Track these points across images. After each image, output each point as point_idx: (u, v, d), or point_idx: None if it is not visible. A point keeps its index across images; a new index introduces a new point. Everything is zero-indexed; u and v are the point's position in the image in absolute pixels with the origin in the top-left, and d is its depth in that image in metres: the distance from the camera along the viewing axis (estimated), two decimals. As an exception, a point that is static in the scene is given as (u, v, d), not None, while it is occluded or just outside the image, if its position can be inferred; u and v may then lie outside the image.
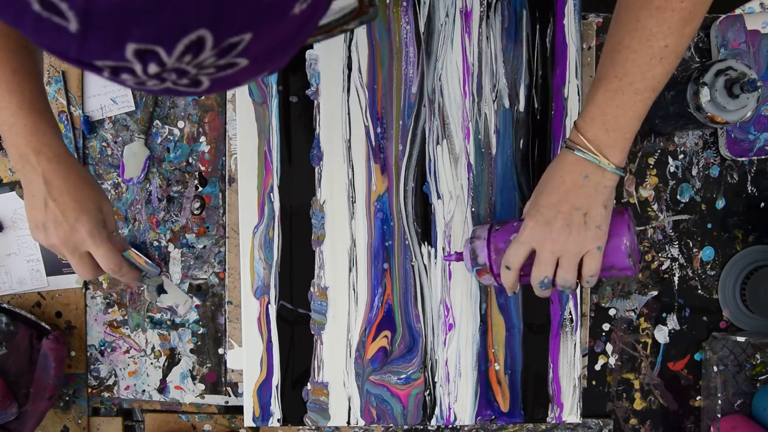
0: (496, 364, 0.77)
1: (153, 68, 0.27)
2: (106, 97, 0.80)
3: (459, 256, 0.71)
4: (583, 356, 0.80)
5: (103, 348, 0.82)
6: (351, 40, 0.76)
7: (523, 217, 0.63)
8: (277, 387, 0.77)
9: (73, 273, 0.80)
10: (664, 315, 0.82)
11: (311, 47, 0.76)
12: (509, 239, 0.64)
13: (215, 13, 0.26)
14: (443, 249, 0.77)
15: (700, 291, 0.82)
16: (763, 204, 0.81)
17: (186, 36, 0.26)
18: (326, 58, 0.76)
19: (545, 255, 0.59)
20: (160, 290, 0.69)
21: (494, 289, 0.77)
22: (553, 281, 0.60)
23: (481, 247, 0.66)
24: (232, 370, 0.80)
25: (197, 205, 0.81)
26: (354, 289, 0.77)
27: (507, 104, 0.77)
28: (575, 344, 0.77)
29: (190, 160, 0.81)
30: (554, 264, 0.59)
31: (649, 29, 0.53)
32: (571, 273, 0.59)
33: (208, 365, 0.82)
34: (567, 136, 0.59)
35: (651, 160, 0.81)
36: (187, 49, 0.27)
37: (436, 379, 0.77)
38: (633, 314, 0.81)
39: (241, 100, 0.76)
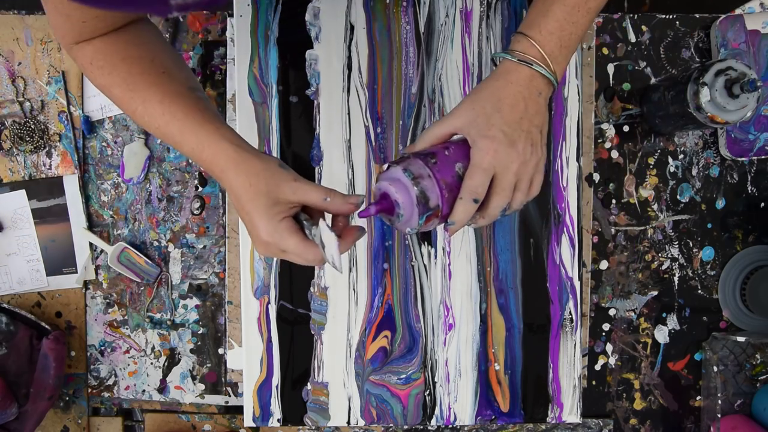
0: (496, 364, 0.77)
1: None
2: (106, 97, 0.80)
3: (385, 206, 0.55)
4: (583, 356, 0.80)
5: (103, 348, 0.82)
6: (351, 40, 0.76)
7: (452, 142, 0.57)
8: (277, 387, 0.77)
9: (74, 273, 0.80)
10: (664, 315, 0.82)
11: (311, 47, 0.76)
12: (454, 171, 0.55)
13: None
14: (443, 249, 0.77)
15: (700, 291, 0.82)
16: (763, 204, 0.81)
17: None
18: (326, 58, 0.76)
19: (509, 178, 0.54)
20: (322, 243, 0.53)
21: (494, 289, 0.77)
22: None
23: (431, 186, 0.53)
24: (232, 370, 0.80)
25: (197, 205, 0.81)
26: (354, 289, 0.77)
27: (507, 104, 0.77)
28: (575, 344, 0.77)
29: (190, 160, 0.81)
30: (513, 187, 0.56)
31: None
32: (527, 194, 0.57)
33: (208, 365, 0.82)
34: (511, 47, 0.56)
35: (651, 160, 0.81)
36: None
37: (436, 379, 0.77)
38: (633, 314, 0.81)
39: (241, 100, 0.76)
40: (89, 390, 0.82)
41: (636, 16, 0.80)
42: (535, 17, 0.55)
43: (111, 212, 0.81)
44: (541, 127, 0.56)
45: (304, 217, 0.54)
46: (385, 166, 0.56)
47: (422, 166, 0.54)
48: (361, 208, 0.55)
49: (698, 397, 0.82)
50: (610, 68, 0.80)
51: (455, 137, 0.57)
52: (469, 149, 0.54)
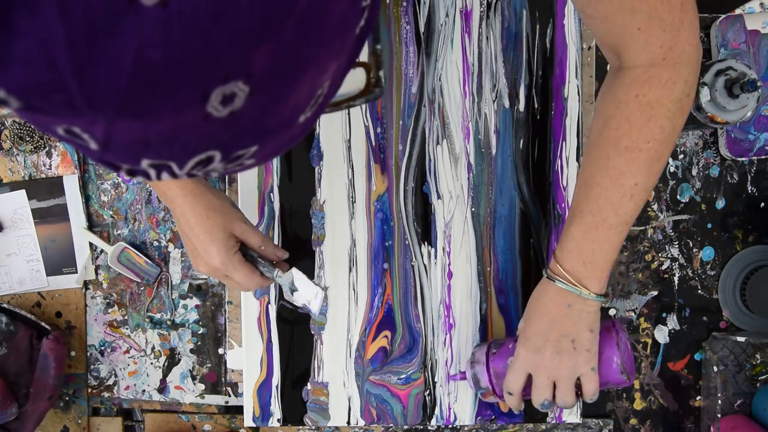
0: (496, 364, 0.77)
1: (165, 176, 0.29)
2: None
3: (463, 376, 0.74)
4: (583, 356, 0.80)
5: (103, 348, 0.82)
6: (351, 40, 0.76)
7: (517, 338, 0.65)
8: (277, 387, 0.77)
9: (74, 273, 0.80)
10: (664, 315, 0.82)
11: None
12: (506, 362, 0.66)
13: (224, 140, 0.27)
14: (443, 249, 0.77)
15: (700, 291, 0.82)
16: (763, 204, 0.81)
17: (197, 156, 0.27)
18: (326, 58, 0.76)
19: (541, 380, 0.61)
20: (293, 288, 0.65)
21: (494, 289, 0.77)
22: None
23: (482, 372, 0.69)
24: (232, 370, 0.80)
25: (197, 205, 0.81)
26: (354, 289, 0.77)
27: (507, 104, 0.77)
28: (575, 344, 0.77)
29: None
30: (551, 387, 0.62)
31: (619, 168, 0.54)
32: (569, 395, 0.61)
33: (208, 365, 0.81)
34: (548, 264, 0.62)
35: (651, 160, 0.81)
36: (198, 164, 0.28)
37: (436, 379, 0.77)
38: (633, 314, 0.81)
39: (241, 100, 0.76)
40: (89, 390, 0.82)
41: (636, 16, 0.80)
42: (562, 235, 0.60)
43: (111, 212, 0.81)
44: (573, 336, 0.60)
45: (257, 255, 0.65)
46: (478, 346, 0.72)
47: (482, 354, 0.69)
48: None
49: (698, 397, 0.82)
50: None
51: None
52: None
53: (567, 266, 0.59)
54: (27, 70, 0.21)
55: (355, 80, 0.38)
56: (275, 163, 0.76)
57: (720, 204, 0.81)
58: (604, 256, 0.57)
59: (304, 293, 0.65)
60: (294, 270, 0.64)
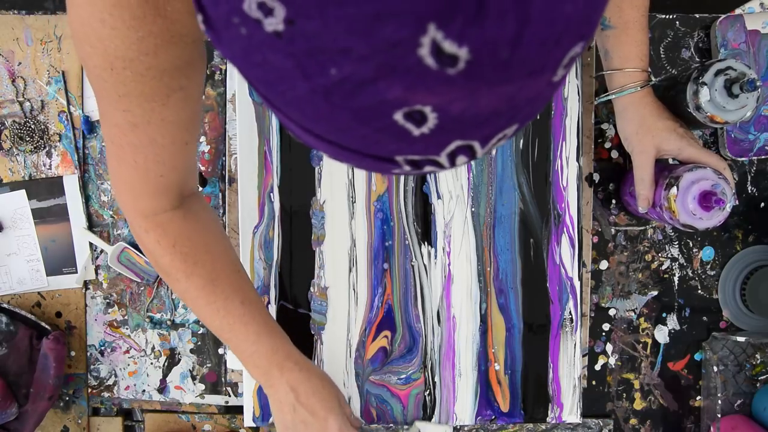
0: (496, 364, 0.77)
1: (461, 160, 0.27)
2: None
3: (709, 197, 0.69)
4: (583, 356, 0.80)
5: (103, 348, 0.82)
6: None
7: (665, 165, 0.73)
8: (277, 387, 0.77)
9: (74, 273, 0.80)
10: (664, 315, 0.82)
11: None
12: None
13: (536, 108, 0.26)
14: (443, 249, 0.77)
15: (700, 291, 0.82)
16: (763, 204, 0.81)
17: (507, 128, 0.26)
18: (326, 58, 0.76)
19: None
20: None
21: (494, 289, 0.77)
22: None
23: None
24: (232, 370, 0.80)
25: (197, 205, 0.81)
26: (354, 289, 0.77)
27: (507, 104, 0.77)
28: (575, 344, 0.77)
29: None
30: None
31: None
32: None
33: (208, 365, 0.81)
34: (628, 83, 0.69)
35: (651, 160, 0.81)
36: (498, 140, 0.26)
37: (436, 379, 0.77)
38: (633, 314, 0.81)
39: (241, 100, 0.76)
40: (89, 390, 0.82)
41: (636, 16, 0.80)
42: (626, 49, 0.68)
43: (111, 212, 0.81)
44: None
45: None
46: (683, 177, 0.69)
47: (708, 170, 0.68)
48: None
49: (698, 397, 0.82)
50: (610, 68, 0.80)
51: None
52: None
53: (646, 65, 0.68)
54: (500, 23, 0.20)
55: None
56: (275, 163, 0.76)
57: (720, 204, 0.81)
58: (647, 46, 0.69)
59: None
60: (416, 422, 0.70)
